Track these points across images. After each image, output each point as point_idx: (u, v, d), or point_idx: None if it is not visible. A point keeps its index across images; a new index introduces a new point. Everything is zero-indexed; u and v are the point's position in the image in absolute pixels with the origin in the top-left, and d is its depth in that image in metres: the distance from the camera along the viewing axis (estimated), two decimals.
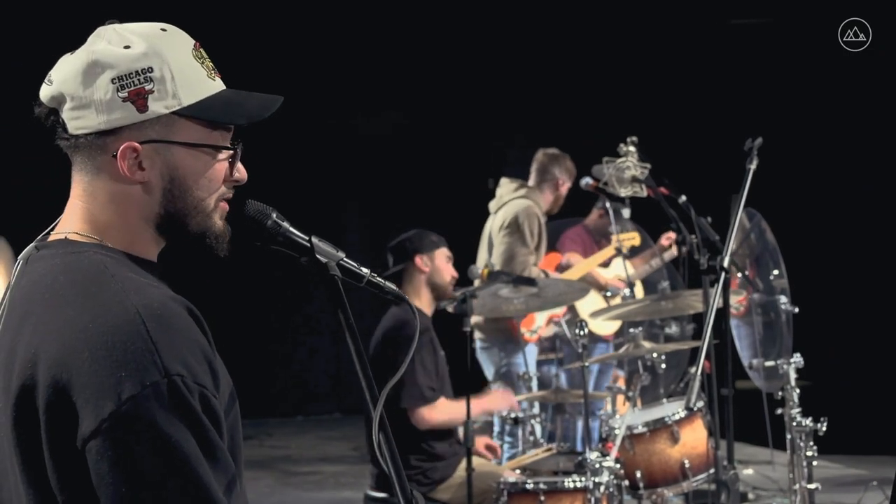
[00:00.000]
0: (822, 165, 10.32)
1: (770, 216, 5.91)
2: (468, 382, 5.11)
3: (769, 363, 5.39)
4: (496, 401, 5.69)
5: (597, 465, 4.81)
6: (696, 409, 5.20)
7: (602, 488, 4.78)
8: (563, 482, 4.88)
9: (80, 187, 1.91)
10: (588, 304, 7.09)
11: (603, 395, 6.46)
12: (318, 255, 2.01)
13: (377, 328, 5.32)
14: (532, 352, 7.25)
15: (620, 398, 6.26)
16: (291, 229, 2.02)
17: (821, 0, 9.32)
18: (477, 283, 6.07)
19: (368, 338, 5.27)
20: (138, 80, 1.84)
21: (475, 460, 5.11)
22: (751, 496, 7.37)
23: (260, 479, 8.87)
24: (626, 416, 5.28)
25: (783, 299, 5.69)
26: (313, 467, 9.76)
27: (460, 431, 5.14)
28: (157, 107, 1.85)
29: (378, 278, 2.08)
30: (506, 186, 7.41)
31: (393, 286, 2.10)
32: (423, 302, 5.36)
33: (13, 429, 1.76)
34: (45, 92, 1.89)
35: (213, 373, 1.78)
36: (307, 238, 2.02)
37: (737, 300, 5.80)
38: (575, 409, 7.06)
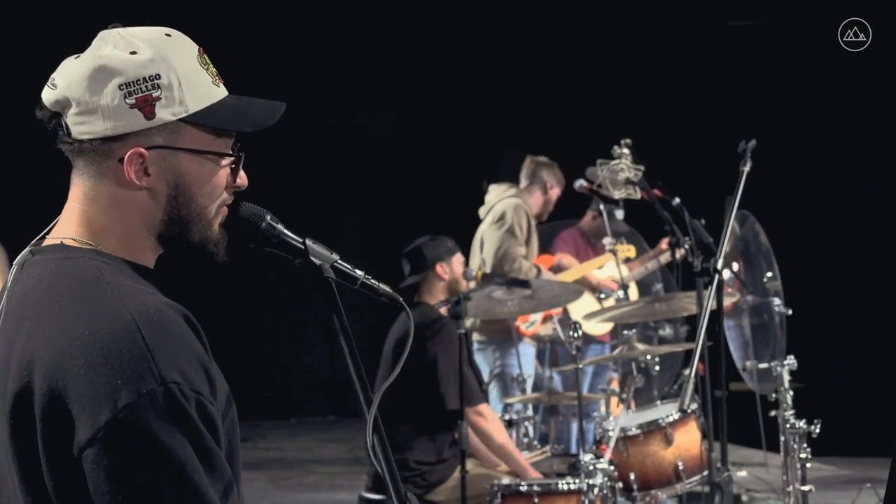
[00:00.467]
0: (820, 166, 10.32)
1: (764, 218, 5.92)
2: (463, 384, 5.11)
3: (763, 365, 5.40)
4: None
5: (591, 467, 4.82)
6: (689, 411, 5.20)
7: (596, 490, 4.79)
8: (557, 484, 4.88)
9: (80, 191, 1.90)
10: (581, 306, 7.09)
11: (597, 398, 6.47)
12: (312, 258, 2.01)
13: (397, 332, 5.34)
14: (528, 353, 7.26)
15: (614, 400, 6.26)
16: (285, 231, 2.02)
17: (815, 1, 9.34)
18: (471, 284, 6.07)
19: (361, 339, 5.27)
20: (146, 86, 1.84)
21: (470, 463, 5.11)
22: (744, 498, 7.38)
23: (254, 481, 8.87)
24: (620, 418, 5.29)
25: (777, 301, 5.70)
26: (307, 469, 9.75)
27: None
28: (164, 114, 1.85)
29: (372, 280, 2.07)
30: (495, 191, 7.44)
31: (387, 288, 2.09)
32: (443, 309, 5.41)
33: (10, 436, 1.76)
34: (49, 95, 1.88)
35: (209, 379, 1.77)
36: (301, 240, 2.02)
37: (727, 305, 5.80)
38: (569, 411, 7.07)
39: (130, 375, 1.68)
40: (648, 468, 5.17)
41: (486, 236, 7.21)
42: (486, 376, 7.16)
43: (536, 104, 11.37)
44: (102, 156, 1.86)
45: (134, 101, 1.83)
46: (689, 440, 5.19)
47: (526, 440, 6.18)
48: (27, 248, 1.92)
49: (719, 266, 4.66)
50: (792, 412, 5.08)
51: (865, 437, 8.51)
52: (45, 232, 1.94)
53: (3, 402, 1.77)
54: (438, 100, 11.64)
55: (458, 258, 5.53)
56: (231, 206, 1.98)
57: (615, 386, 6.63)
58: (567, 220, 8.00)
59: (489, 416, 5.33)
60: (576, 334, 5.20)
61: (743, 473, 8.06)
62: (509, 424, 6.17)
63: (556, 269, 7.52)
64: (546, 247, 7.68)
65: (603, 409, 6.24)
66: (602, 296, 7.31)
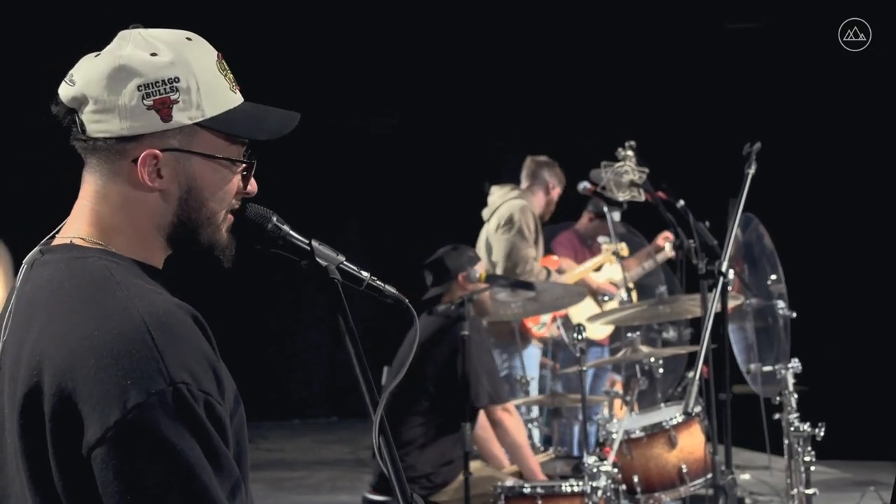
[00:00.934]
0: (821, 167, 10.31)
1: (768, 220, 5.91)
2: (467, 385, 5.10)
3: (767, 368, 5.39)
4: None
5: (594, 470, 4.81)
6: (693, 413, 5.19)
7: (599, 493, 4.79)
8: (561, 486, 4.88)
9: (91, 189, 1.90)
10: (581, 309, 7.09)
11: (600, 400, 6.46)
12: (318, 259, 2.00)
13: (414, 339, 5.34)
14: (534, 355, 7.25)
15: (618, 402, 6.25)
16: (291, 233, 2.01)
17: (816, 2, 9.33)
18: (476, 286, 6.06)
19: (365, 341, 5.26)
20: (164, 89, 1.84)
21: (474, 465, 5.11)
22: (748, 501, 7.37)
23: (255, 482, 8.80)
24: (624, 420, 5.28)
25: (781, 304, 5.69)
26: (309, 471, 9.75)
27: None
28: (180, 117, 1.85)
29: (378, 282, 2.07)
30: (497, 193, 7.43)
31: (393, 290, 2.09)
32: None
33: (19, 436, 1.77)
34: (66, 91, 1.88)
35: (217, 379, 1.78)
36: (307, 241, 2.02)
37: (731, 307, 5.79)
38: (572, 414, 7.06)
39: (140, 376, 1.69)
40: (652, 471, 5.16)
41: (494, 241, 7.19)
42: None
43: (539, 106, 11.36)
44: (116, 155, 1.86)
45: (152, 102, 1.84)
46: (692, 443, 5.19)
47: (529, 442, 6.17)
48: (37, 248, 1.92)
49: (724, 269, 4.65)
50: (796, 415, 5.06)
51: (870, 441, 8.51)
52: (55, 231, 1.94)
53: (13, 401, 1.78)
54: (440, 101, 11.63)
55: (479, 267, 5.54)
56: (237, 207, 1.98)
57: (619, 388, 6.62)
58: (563, 223, 7.99)
59: (515, 415, 5.36)
60: (579, 336, 5.19)
61: (747, 476, 8.05)
62: None
63: (558, 273, 7.51)
64: (546, 248, 7.68)
65: (606, 411, 6.23)
66: (606, 298, 7.30)
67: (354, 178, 12.23)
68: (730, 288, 5.52)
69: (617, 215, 7.22)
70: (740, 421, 5.31)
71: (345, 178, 12.19)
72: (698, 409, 5.23)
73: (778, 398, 5.18)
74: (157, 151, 1.85)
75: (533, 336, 7.18)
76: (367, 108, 11.98)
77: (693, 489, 5.19)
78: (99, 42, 1.93)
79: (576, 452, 6.62)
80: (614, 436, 5.14)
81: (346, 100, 11.65)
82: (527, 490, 4.87)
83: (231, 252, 1.97)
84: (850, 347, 10.16)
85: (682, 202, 5.49)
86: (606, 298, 7.31)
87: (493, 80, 11.34)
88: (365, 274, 2.05)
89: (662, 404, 5.74)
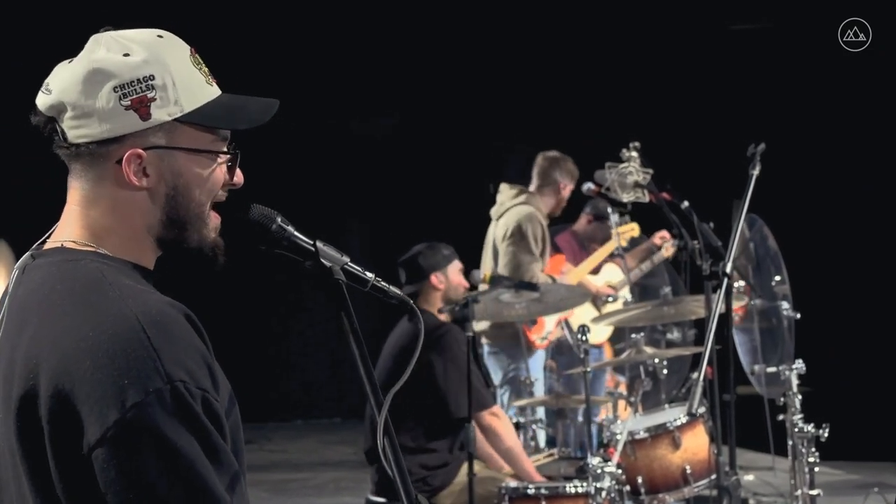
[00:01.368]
0: (822, 167, 10.31)
1: (771, 221, 5.90)
2: (471, 386, 5.10)
3: (771, 369, 5.38)
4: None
5: (598, 471, 4.81)
6: (697, 414, 5.18)
7: (604, 493, 4.78)
8: (565, 487, 4.88)
9: (78, 194, 1.90)
10: (581, 312, 7.08)
11: (603, 401, 6.46)
12: (322, 260, 2.00)
13: (400, 335, 5.34)
14: (538, 356, 7.25)
15: (622, 403, 6.25)
16: (296, 233, 2.01)
17: (820, 3, 9.32)
18: (480, 287, 6.06)
19: (370, 342, 5.27)
20: (140, 87, 1.84)
21: (476, 465, 5.10)
22: (752, 502, 7.35)
23: (259, 483, 8.85)
24: (628, 421, 5.27)
25: (785, 305, 5.68)
26: (312, 472, 9.74)
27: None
28: (159, 114, 1.86)
29: (382, 283, 2.07)
30: (506, 192, 7.40)
31: (397, 291, 2.09)
32: (441, 317, 5.39)
33: (17, 439, 1.77)
34: (44, 101, 1.88)
35: (212, 377, 1.79)
36: (311, 242, 2.01)
37: (735, 308, 5.79)
38: (575, 415, 7.05)
39: (137, 375, 1.69)
40: (656, 472, 5.15)
41: (501, 251, 7.18)
42: (498, 381, 7.16)
43: (543, 107, 11.35)
44: (100, 158, 1.87)
45: (129, 102, 1.84)
46: (696, 444, 5.18)
47: (534, 443, 6.17)
48: (28, 252, 1.93)
49: (728, 270, 4.65)
50: (800, 416, 5.06)
51: (874, 442, 8.50)
52: (45, 236, 1.95)
53: (8, 405, 1.79)
54: (441, 101, 11.62)
55: (454, 266, 5.49)
56: (241, 208, 1.99)
57: (623, 389, 6.61)
58: (562, 225, 7.98)
59: (503, 419, 5.34)
60: (584, 338, 5.19)
61: (751, 477, 8.04)
62: (517, 427, 6.16)
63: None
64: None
65: (610, 412, 6.23)
66: (610, 299, 7.29)
67: (355, 178, 12.22)
68: (740, 289, 5.54)
69: (615, 217, 7.21)
70: (744, 422, 5.31)
71: (345, 179, 12.19)
72: (702, 409, 5.22)
73: (782, 399, 5.18)
74: (141, 151, 1.86)
75: (536, 347, 7.16)
76: (367, 108, 11.98)
77: (697, 490, 5.19)
78: None
79: (579, 453, 6.60)
80: (618, 437, 5.13)
81: (346, 100, 11.65)
82: (531, 491, 4.87)
83: (221, 251, 1.97)
84: (854, 348, 10.15)
85: (686, 203, 5.49)
86: (611, 299, 7.30)
87: (495, 81, 11.33)
88: (370, 275, 2.05)
89: (666, 405, 5.74)
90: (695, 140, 10.71)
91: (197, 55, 1.94)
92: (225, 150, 1.95)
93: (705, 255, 5.01)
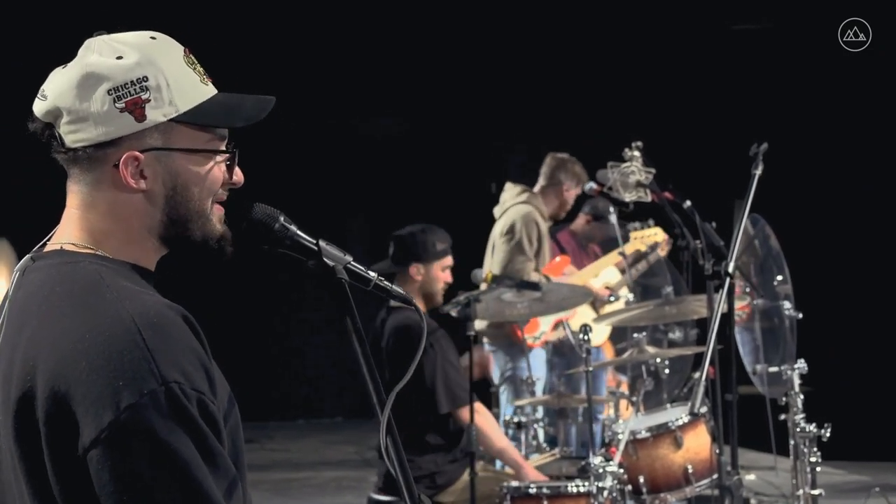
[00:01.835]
0: (823, 167, 10.31)
1: (773, 221, 5.90)
2: (472, 386, 5.10)
3: (773, 369, 5.38)
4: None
5: (600, 470, 4.81)
6: (699, 414, 5.18)
7: (605, 493, 4.78)
8: (567, 486, 4.88)
9: (77, 198, 1.91)
10: (581, 315, 7.08)
11: (605, 400, 6.46)
12: (325, 259, 2.00)
13: (385, 333, 5.32)
14: (539, 355, 7.25)
15: (624, 403, 6.24)
16: (299, 233, 2.01)
17: (820, 3, 9.33)
18: (481, 286, 6.06)
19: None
20: (134, 89, 1.85)
21: (478, 465, 5.10)
22: (753, 502, 7.36)
23: (260, 483, 8.86)
24: (630, 421, 5.27)
25: (787, 305, 5.68)
26: (314, 471, 9.75)
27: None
28: (154, 115, 1.86)
29: (385, 282, 2.07)
30: (509, 191, 7.43)
31: (400, 290, 2.09)
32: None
33: (15, 441, 1.78)
34: (40, 107, 1.89)
35: (209, 379, 1.79)
36: (314, 241, 2.01)
37: (738, 307, 5.79)
38: (576, 414, 7.05)
39: (132, 376, 1.70)
40: (658, 471, 5.15)
41: (497, 247, 7.20)
42: (497, 379, 7.16)
43: (546, 107, 11.36)
44: (97, 162, 1.87)
45: (124, 104, 1.85)
46: (698, 443, 5.17)
47: (535, 442, 6.17)
48: (28, 255, 1.94)
49: (730, 269, 4.64)
50: (802, 416, 5.05)
51: (876, 442, 8.50)
52: (46, 239, 1.95)
53: (7, 406, 1.79)
54: (441, 101, 11.63)
55: (441, 262, 5.41)
56: (244, 207, 1.99)
57: (625, 389, 6.61)
58: (560, 225, 7.99)
59: (485, 412, 5.30)
60: (585, 337, 5.18)
61: (752, 477, 8.04)
62: (519, 427, 6.17)
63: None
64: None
65: (611, 412, 6.23)
66: (612, 299, 7.29)
67: (357, 178, 12.22)
68: (745, 289, 5.54)
69: (613, 218, 7.22)
70: (746, 421, 5.30)
71: (347, 179, 12.19)
72: (704, 409, 5.21)
73: (784, 399, 5.17)
74: (137, 153, 1.86)
75: (530, 347, 7.15)
76: (368, 108, 11.98)
77: (699, 490, 5.18)
78: None
79: (581, 453, 6.60)
80: (620, 436, 5.13)
81: (348, 100, 11.65)
82: (532, 490, 4.87)
83: (229, 242, 1.97)
84: (856, 348, 10.15)
85: (688, 203, 5.48)
86: (612, 299, 7.30)
87: (497, 80, 11.34)
88: (372, 274, 2.05)
89: (668, 405, 5.73)
90: (697, 139, 10.71)
91: (191, 55, 1.94)
92: (223, 148, 1.95)
93: (707, 254, 5.01)
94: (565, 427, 7.18)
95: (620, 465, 4.97)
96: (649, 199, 5.62)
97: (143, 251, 1.92)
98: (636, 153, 5.55)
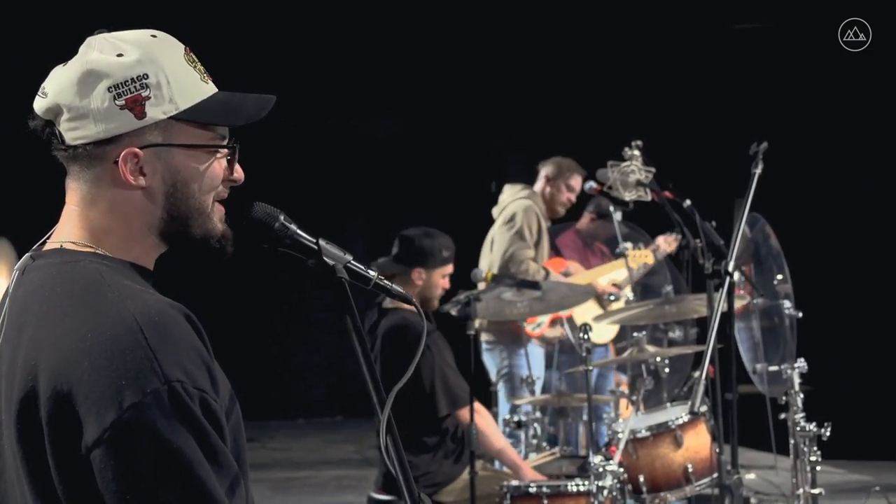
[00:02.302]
0: (823, 167, 10.31)
1: (773, 220, 5.90)
2: (473, 385, 5.10)
3: (773, 368, 5.38)
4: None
5: (600, 469, 4.81)
6: (699, 413, 5.18)
7: (605, 492, 4.78)
8: (567, 486, 4.88)
9: (77, 195, 1.91)
10: (585, 311, 7.09)
11: (606, 399, 6.45)
12: (325, 258, 2.00)
13: (378, 336, 5.31)
14: (538, 354, 7.25)
15: (624, 402, 6.24)
16: (299, 232, 2.01)
17: (820, 3, 9.33)
18: (481, 286, 6.06)
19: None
20: (134, 87, 1.85)
21: (478, 464, 5.10)
22: (753, 501, 7.35)
23: (261, 482, 8.86)
24: (630, 420, 5.27)
25: (787, 304, 5.68)
26: (315, 470, 9.75)
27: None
28: (154, 112, 1.86)
29: (385, 281, 2.07)
30: (508, 192, 7.48)
31: (400, 289, 2.09)
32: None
33: (17, 441, 1.78)
34: (40, 104, 1.89)
35: (211, 377, 1.79)
36: (314, 240, 2.01)
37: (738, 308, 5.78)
38: (576, 413, 7.05)
39: (134, 376, 1.69)
40: (658, 470, 5.15)
41: (496, 237, 7.24)
42: (493, 376, 7.17)
43: (545, 106, 11.36)
44: (97, 159, 1.87)
45: (124, 102, 1.85)
46: (698, 442, 5.18)
47: (535, 441, 6.17)
48: (28, 254, 1.93)
49: (730, 268, 4.64)
50: (802, 415, 5.05)
51: (876, 441, 8.50)
52: (45, 237, 1.95)
53: (10, 406, 1.79)
54: (441, 101, 11.62)
55: (443, 270, 5.40)
56: (244, 206, 1.99)
57: (625, 388, 6.61)
58: (564, 224, 7.99)
59: (484, 413, 5.31)
60: (586, 336, 5.19)
61: (752, 476, 8.04)
62: (518, 426, 6.16)
63: (565, 275, 7.51)
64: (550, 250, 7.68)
65: (612, 411, 6.23)
66: (612, 298, 7.30)
67: (357, 178, 12.22)
68: (742, 290, 5.53)
69: (618, 216, 7.23)
70: (746, 421, 5.30)
71: (348, 179, 12.19)
72: (704, 408, 5.22)
73: (784, 398, 5.17)
74: (137, 150, 1.86)
75: (530, 336, 7.17)
76: (369, 108, 11.98)
77: (699, 489, 5.18)
78: None
79: (580, 452, 6.61)
80: (620, 435, 5.13)
81: (348, 100, 11.65)
82: (532, 489, 4.87)
83: (229, 240, 1.97)
84: (856, 347, 10.15)
85: (688, 202, 5.48)
86: (612, 298, 7.31)
87: (497, 80, 11.34)
88: (372, 273, 2.05)
89: (668, 404, 5.73)
90: (697, 139, 10.71)
91: (192, 53, 1.94)
92: (225, 145, 1.95)
93: (707, 253, 5.01)
94: (566, 426, 7.19)
95: (620, 465, 4.97)
96: (649, 198, 5.62)
97: (142, 249, 1.92)
98: (636, 152, 5.55)
